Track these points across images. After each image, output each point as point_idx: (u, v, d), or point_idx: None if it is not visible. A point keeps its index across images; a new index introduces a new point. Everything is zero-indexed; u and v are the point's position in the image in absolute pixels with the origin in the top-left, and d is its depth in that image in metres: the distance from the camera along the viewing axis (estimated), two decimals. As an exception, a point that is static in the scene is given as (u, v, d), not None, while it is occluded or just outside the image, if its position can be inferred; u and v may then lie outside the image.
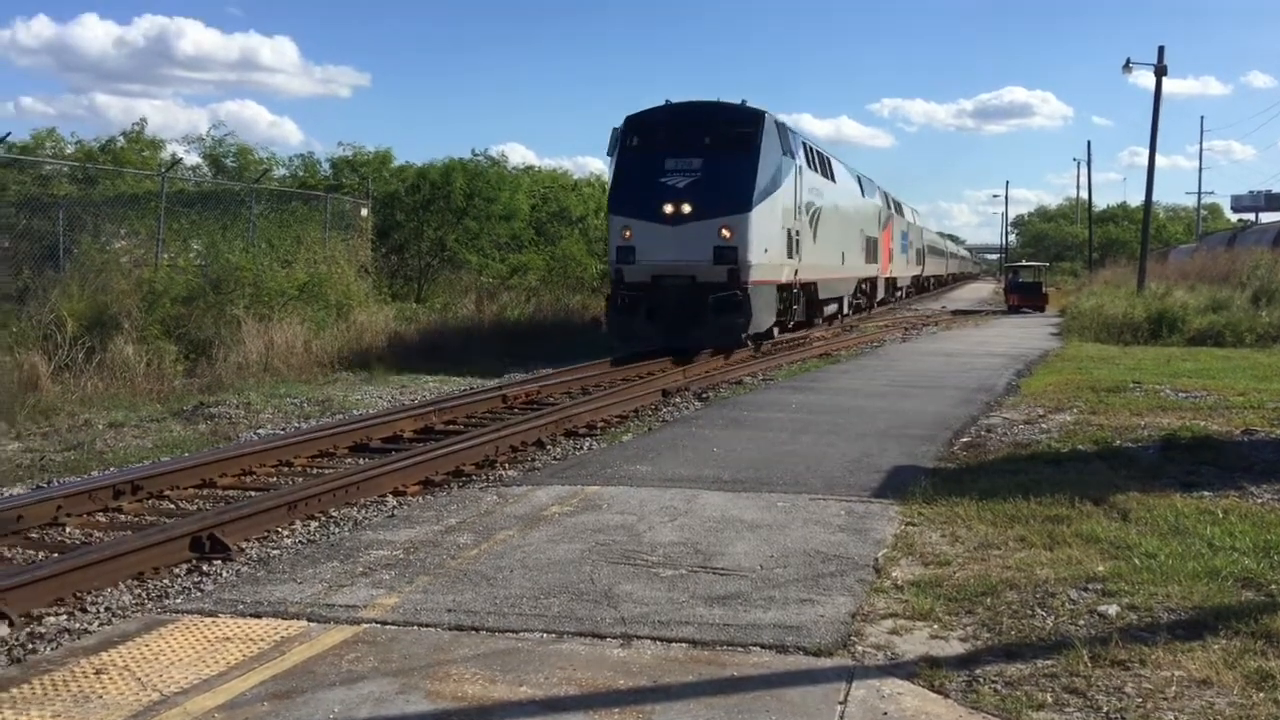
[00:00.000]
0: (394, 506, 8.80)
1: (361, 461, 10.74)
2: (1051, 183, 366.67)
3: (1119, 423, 12.25)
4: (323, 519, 8.43)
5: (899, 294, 48.06)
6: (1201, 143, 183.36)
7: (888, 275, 41.50)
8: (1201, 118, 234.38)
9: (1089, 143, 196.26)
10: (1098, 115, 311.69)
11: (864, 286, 34.79)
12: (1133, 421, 12.35)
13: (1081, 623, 5.59)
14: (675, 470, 9.61)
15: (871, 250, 35.05)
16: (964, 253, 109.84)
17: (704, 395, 15.65)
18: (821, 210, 25.71)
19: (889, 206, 42.15)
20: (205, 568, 7.06)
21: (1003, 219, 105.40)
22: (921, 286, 60.23)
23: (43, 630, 5.88)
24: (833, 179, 28.67)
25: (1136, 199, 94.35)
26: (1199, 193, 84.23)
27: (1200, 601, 5.83)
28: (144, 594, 6.54)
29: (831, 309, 29.47)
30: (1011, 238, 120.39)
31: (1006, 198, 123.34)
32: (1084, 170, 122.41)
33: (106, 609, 6.23)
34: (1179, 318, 27.55)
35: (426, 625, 5.58)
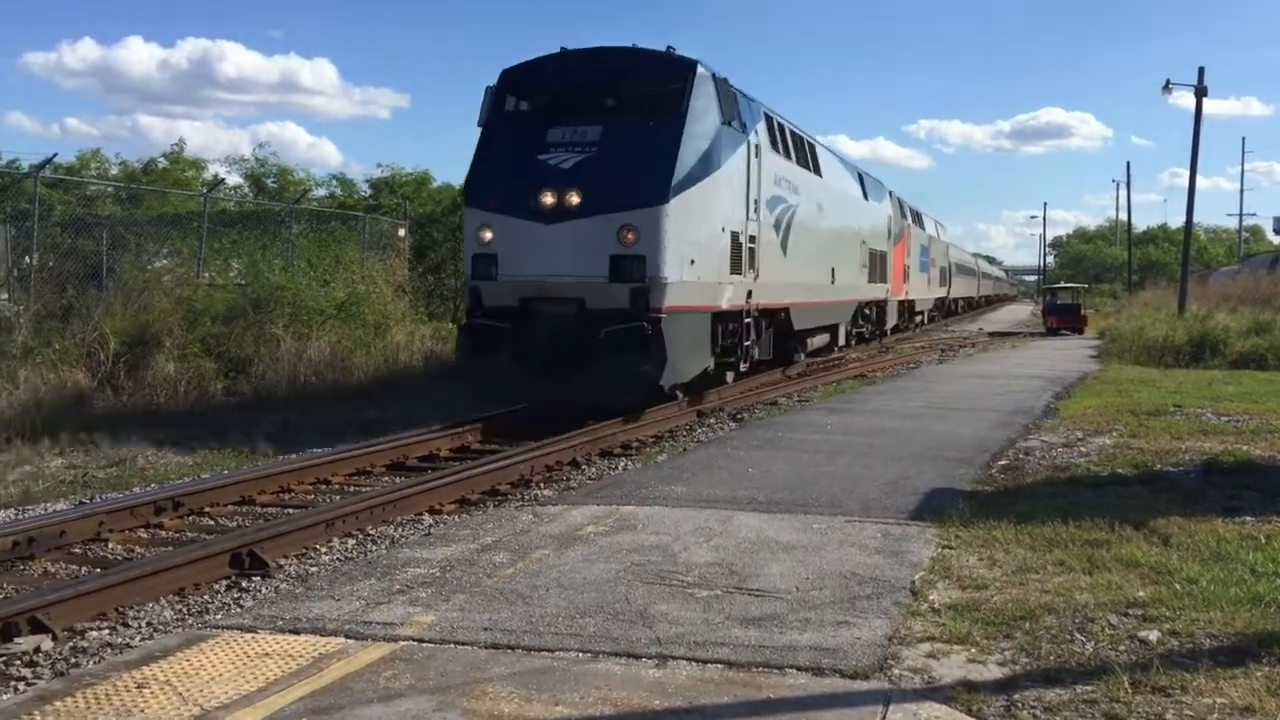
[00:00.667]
0: (430, 525, 8.85)
1: (398, 480, 10.81)
2: (1090, 204, 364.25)
3: (1160, 446, 12.12)
4: (360, 537, 8.49)
5: (919, 319, 42.53)
6: (1243, 164, 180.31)
7: (902, 297, 35.57)
8: (1243, 139, 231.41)
9: (1128, 164, 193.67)
10: (1137, 136, 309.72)
11: (868, 311, 28.81)
12: (1174, 445, 12.22)
13: (1122, 648, 5.53)
14: (710, 491, 9.60)
15: (878, 267, 28.81)
16: (999, 273, 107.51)
17: (739, 416, 15.62)
18: (797, 211, 19.55)
19: (904, 215, 36.07)
20: (245, 584, 7.13)
21: (1040, 240, 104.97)
22: (948, 310, 55.16)
23: (85, 644, 5.96)
24: (817, 171, 22.05)
25: (1177, 220, 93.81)
26: (1240, 214, 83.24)
27: (1243, 628, 5.75)
28: (185, 609, 6.62)
29: (818, 341, 23.51)
30: (1049, 259, 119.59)
31: (1044, 219, 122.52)
32: (1123, 191, 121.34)
33: (148, 624, 6.31)
34: (1220, 340, 27.25)
35: (463, 643, 5.60)
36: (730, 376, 16.93)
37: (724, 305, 15.51)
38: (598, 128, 14.25)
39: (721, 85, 15.23)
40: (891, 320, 33.05)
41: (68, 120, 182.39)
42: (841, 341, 25.48)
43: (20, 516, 9.19)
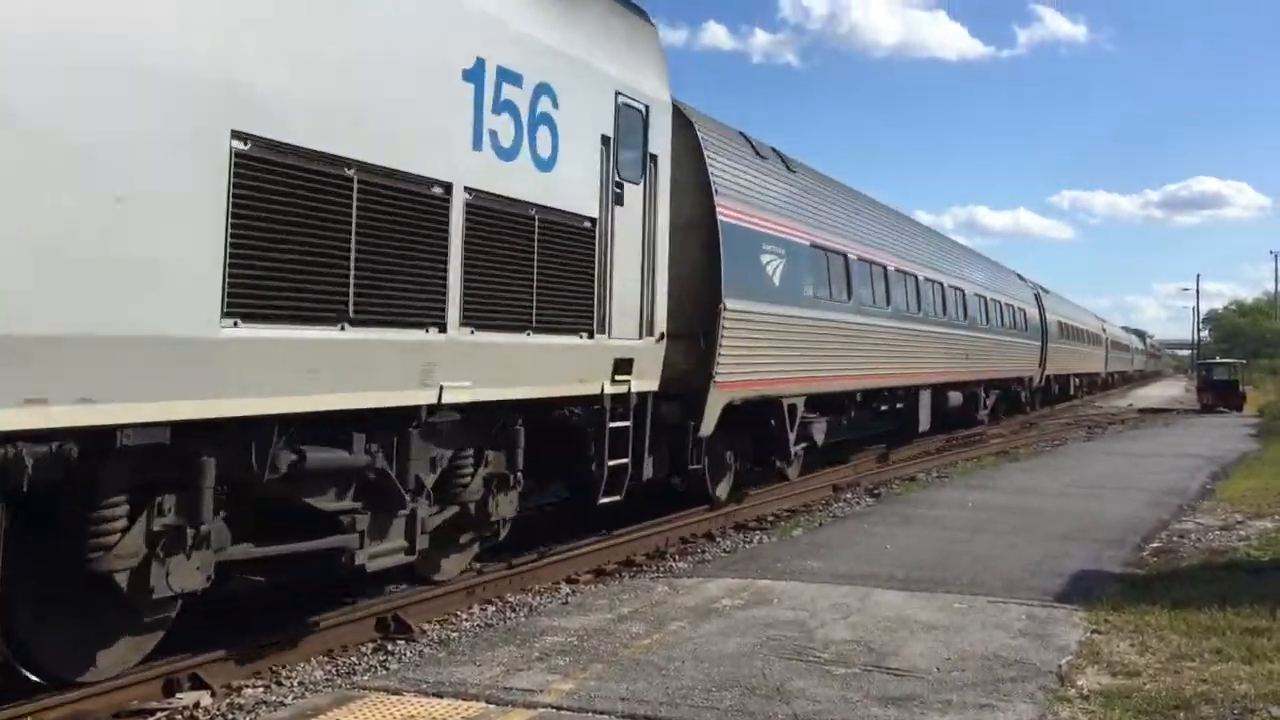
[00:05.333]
0: (568, 594, 8.97)
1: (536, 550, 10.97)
2: (1247, 275, 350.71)
3: (1326, 531, 11.49)
4: (499, 604, 8.66)
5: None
6: None
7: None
8: None
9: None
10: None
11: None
12: (1342, 530, 11.57)
13: (1286, 743, 5.26)
14: (847, 567, 9.49)
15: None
16: (1135, 343, 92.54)
17: (876, 491, 15.41)
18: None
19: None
20: (390, 647, 7.34)
21: (1194, 313, 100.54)
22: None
23: (241, 701, 6.21)
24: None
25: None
26: None
27: None
28: (334, 670, 6.85)
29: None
30: (1204, 333, 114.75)
31: (1198, 290, 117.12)
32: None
33: (300, 683, 6.55)
34: (1392, 419, 25.70)
35: (600, 712, 5.66)
36: None
37: None
38: None
39: None
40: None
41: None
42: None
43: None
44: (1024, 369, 31.28)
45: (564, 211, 8.70)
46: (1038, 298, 36.04)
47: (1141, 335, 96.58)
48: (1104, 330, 54.30)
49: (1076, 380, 46.39)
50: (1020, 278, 36.01)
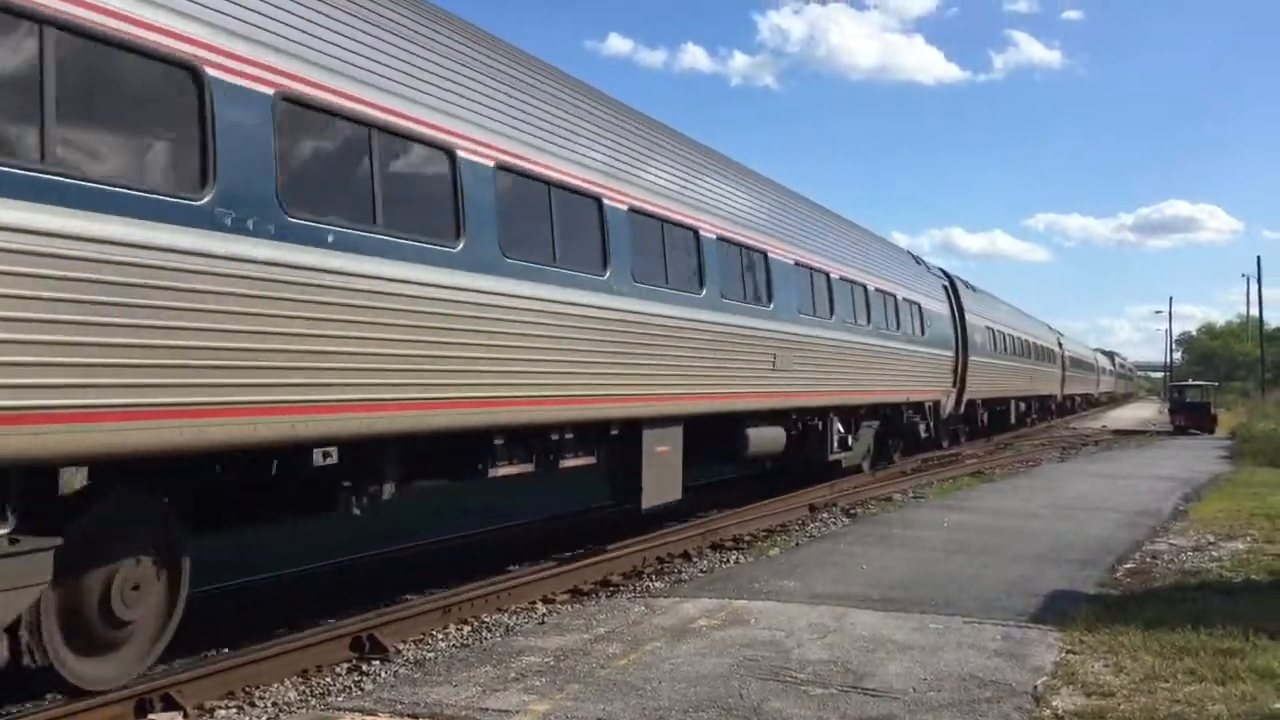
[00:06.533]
0: (544, 614, 8.95)
1: (513, 568, 10.94)
2: (1219, 299, 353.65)
3: (1297, 552, 11.59)
4: (475, 624, 8.62)
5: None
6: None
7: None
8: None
9: (1259, 258, 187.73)
10: (1270, 229, 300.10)
11: None
12: (1313, 551, 11.67)
13: (1259, 764, 5.29)
14: (824, 587, 9.50)
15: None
16: (1103, 362, 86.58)
17: (852, 511, 15.44)
18: None
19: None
20: (365, 667, 7.30)
21: (1167, 336, 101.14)
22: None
23: (214, 721, 6.16)
24: None
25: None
26: (1381, 310, 79.56)
27: (1392, 747, 5.45)
28: (308, 690, 6.80)
29: None
30: (1176, 355, 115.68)
31: (1171, 313, 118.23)
32: (1254, 285, 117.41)
33: (274, 704, 6.49)
34: (1362, 442, 25.97)
35: (577, 733, 5.64)
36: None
37: None
38: None
39: None
40: None
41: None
42: None
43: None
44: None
45: None
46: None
47: (1111, 355, 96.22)
48: (1059, 345, 43.58)
49: (1021, 405, 37.83)
50: (924, 265, 25.69)
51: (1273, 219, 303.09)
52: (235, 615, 8.69)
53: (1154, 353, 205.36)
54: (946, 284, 25.79)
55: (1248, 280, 78.16)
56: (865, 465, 19.81)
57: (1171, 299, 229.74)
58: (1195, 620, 7.96)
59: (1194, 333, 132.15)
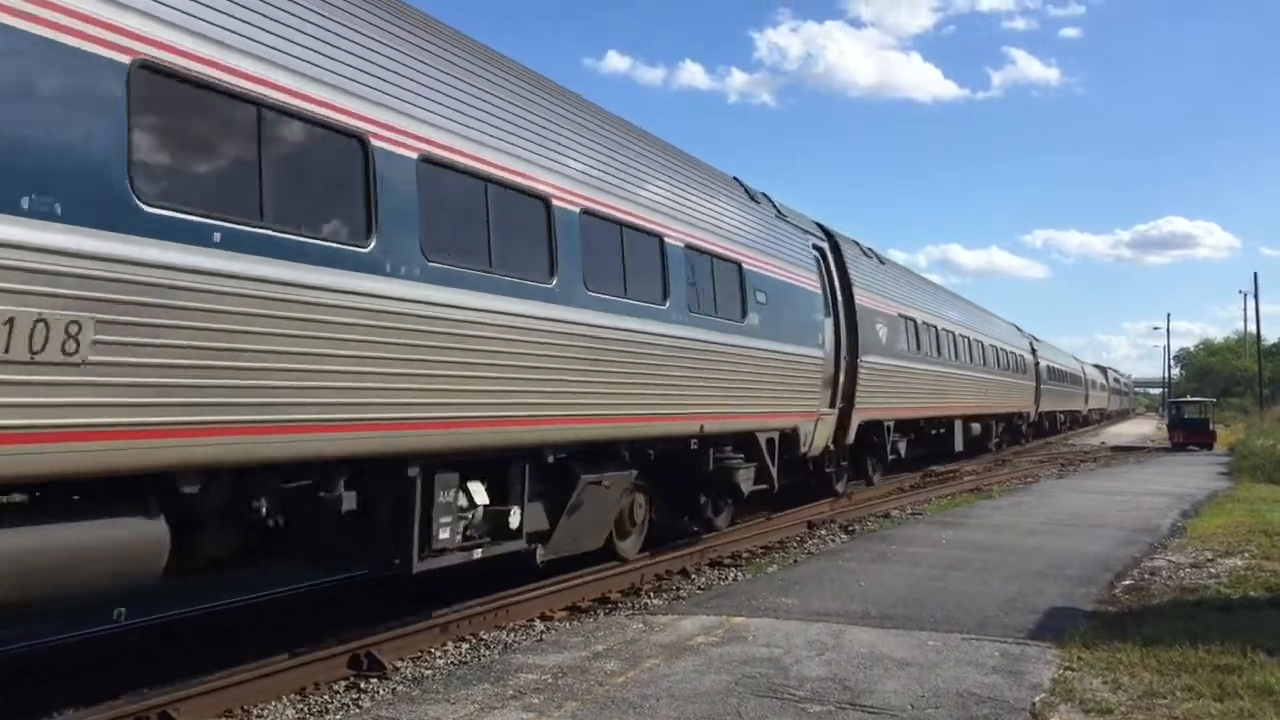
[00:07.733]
0: (542, 631, 8.94)
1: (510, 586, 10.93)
2: (1217, 315, 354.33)
3: (1295, 569, 11.59)
4: (473, 641, 8.62)
5: None
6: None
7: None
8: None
9: (1255, 274, 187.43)
10: (1267, 246, 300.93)
11: None
12: (1311, 568, 11.67)
13: (1257, 781, 5.28)
14: (822, 604, 9.50)
15: None
16: (1100, 379, 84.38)
17: (850, 528, 15.44)
18: None
19: None
20: (363, 685, 7.29)
21: (1165, 352, 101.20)
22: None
23: (212, 739, 6.15)
24: None
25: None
26: (1379, 326, 79.63)
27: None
28: (305, 708, 6.79)
29: None
30: (1174, 371, 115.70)
31: (1168, 330, 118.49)
32: (1251, 302, 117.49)
33: (270, 721, 6.49)
34: (1361, 458, 25.97)
35: (574, 751, 5.63)
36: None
37: None
38: None
39: None
40: None
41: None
42: None
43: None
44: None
45: None
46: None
47: (1104, 369, 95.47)
48: (1032, 351, 41.56)
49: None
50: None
51: (1270, 235, 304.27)
52: (233, 633, 8.69)
53: (1152, 369, 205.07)
54: (822, 245, 17.04)
55: (1245, 296, 78.36)
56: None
57: (1169, 315, 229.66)
58: (1193, 637, 7.97)
59: (1192, 349, 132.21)
